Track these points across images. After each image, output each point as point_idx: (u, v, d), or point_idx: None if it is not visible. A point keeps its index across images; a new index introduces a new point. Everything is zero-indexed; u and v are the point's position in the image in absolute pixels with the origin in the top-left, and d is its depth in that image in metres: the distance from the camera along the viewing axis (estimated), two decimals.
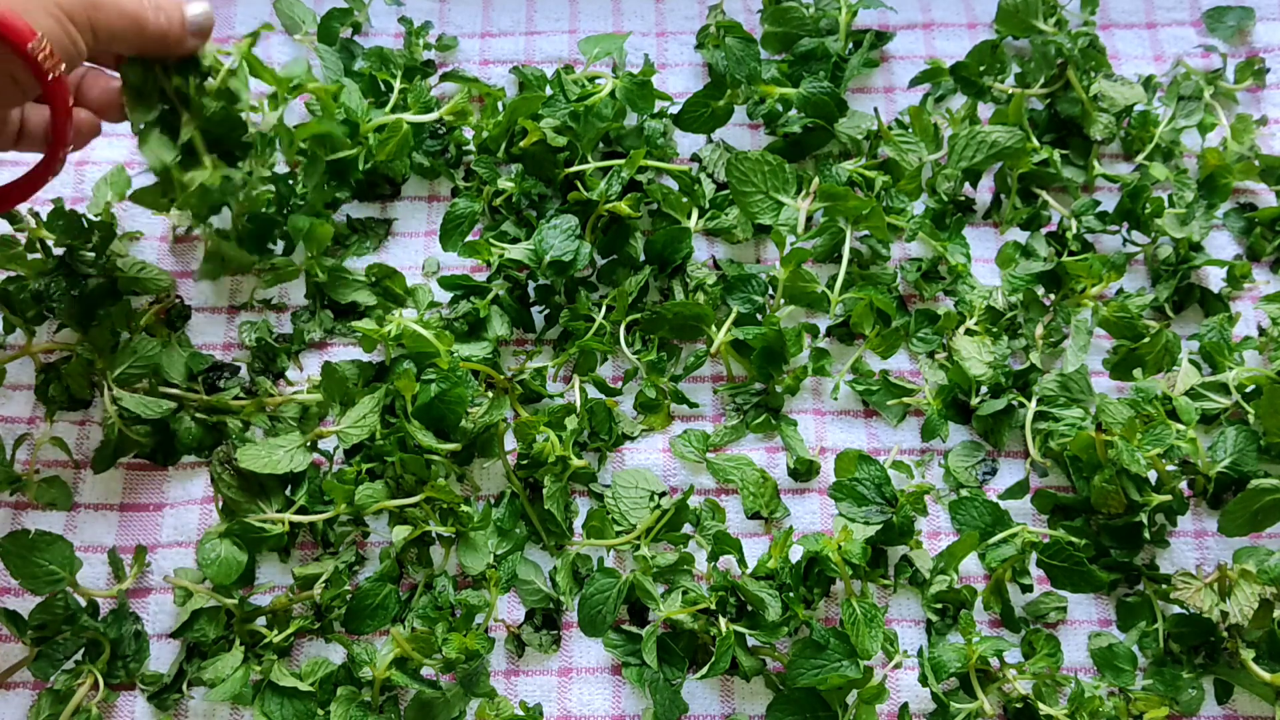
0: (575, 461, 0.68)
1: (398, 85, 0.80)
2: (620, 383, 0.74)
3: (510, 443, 0.70)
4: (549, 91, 0.80)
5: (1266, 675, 0.63)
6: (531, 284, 0.75)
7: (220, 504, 0.67)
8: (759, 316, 0.74)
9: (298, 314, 0.75)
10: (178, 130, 0.62)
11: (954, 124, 0.80)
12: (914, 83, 0.83)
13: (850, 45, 0.82)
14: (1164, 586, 0.66)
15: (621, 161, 0.74)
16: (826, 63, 0.81)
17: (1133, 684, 0.65)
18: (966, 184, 0.79)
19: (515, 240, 0.75)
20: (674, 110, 0.80)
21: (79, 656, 0.65)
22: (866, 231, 0.74)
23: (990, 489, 0.71)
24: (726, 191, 0.77)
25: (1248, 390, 0.71)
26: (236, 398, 0.71)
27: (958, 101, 0.83)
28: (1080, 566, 0.65)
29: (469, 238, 0.75)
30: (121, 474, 0.70)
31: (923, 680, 0.64)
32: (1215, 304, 0.76)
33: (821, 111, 0.78)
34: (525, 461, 0.69)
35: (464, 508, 0.67)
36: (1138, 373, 0.72)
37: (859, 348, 0.74)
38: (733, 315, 0.73)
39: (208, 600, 0.65)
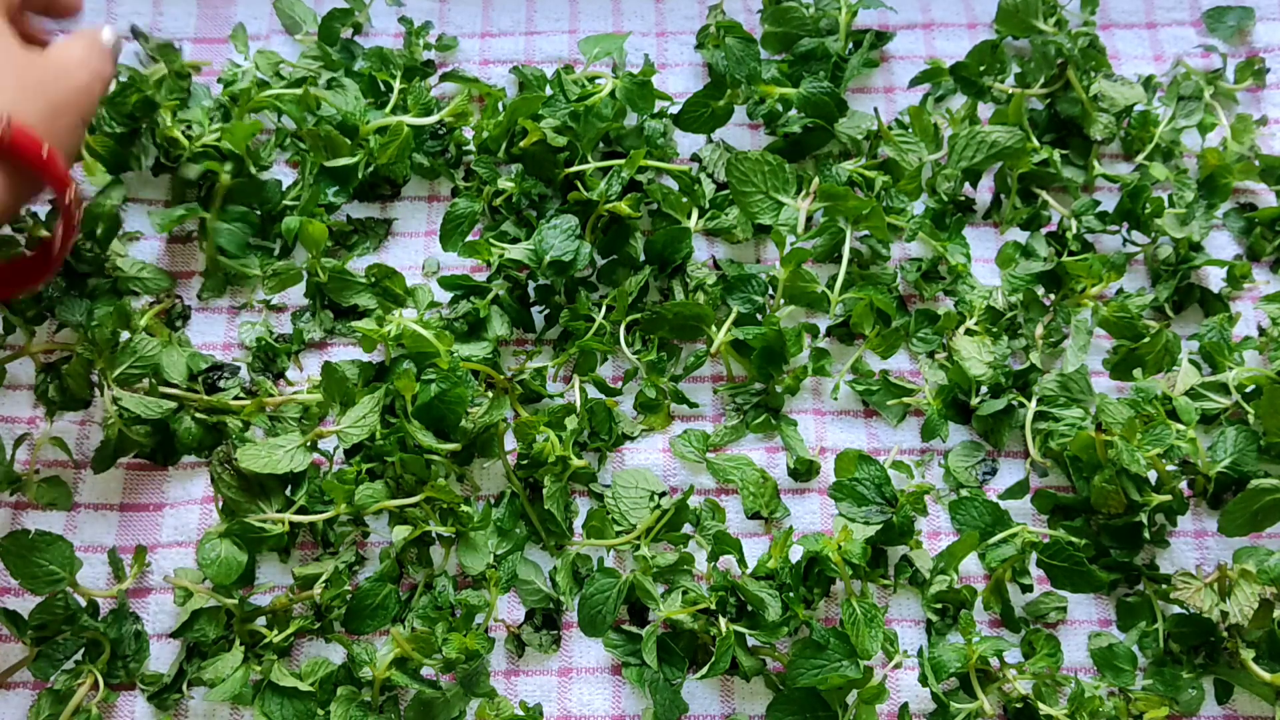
0: (575, 461, 0.68)
1: (398, 85, 0.80)
2: (620, 383, 0.74)
3: (510, 443, 0.70)
4: (549, 91, 0.80)
5: (1266, 675, 0.63)
6: (531, 284, 0.75)
7: (220, 504, 0.67)
8: (759, 316, 0.74)
9: (298, 314, 0.75)
10: None
11: (954, 124, 0.80)
12: (914, 83, 0.83)
13: (850, 45, 0.82)
14: (1164, 586, 0.66)
15: (621, 161, 0.74)
16: (826, 63, 0.81)
17: (1133, 684, 0.65)
18: (966, 184, 0.79)
19: (515, 240, 0.75)
20: (674, 110, 0.80)
21: (79, 656, 0.65)
22: (866, 231, 0.74)
23: (990, 489, 0.71)
24: (726, 191, 0.77)
25: (1248, 390, 0.71)
26: (237, 398, 0.71)
27: (958, 101, 0.83)
28: (1080, 566, 0.65)
29: (469, 238, 0.75)
30: (121, 474, 0.70)
31: (923, 680, 0.64)
32: (1215, 304, 0.76)
33: (821, 111, 0.78)
34: (525, 461, 0.69)
35: (464, 508, 0.67)
36: (1138, 373, 0.72)
37: (859, 348, 0.74)
38: (733, 315, 0.73)
39: (208, 600, 0.65)
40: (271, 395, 0.71)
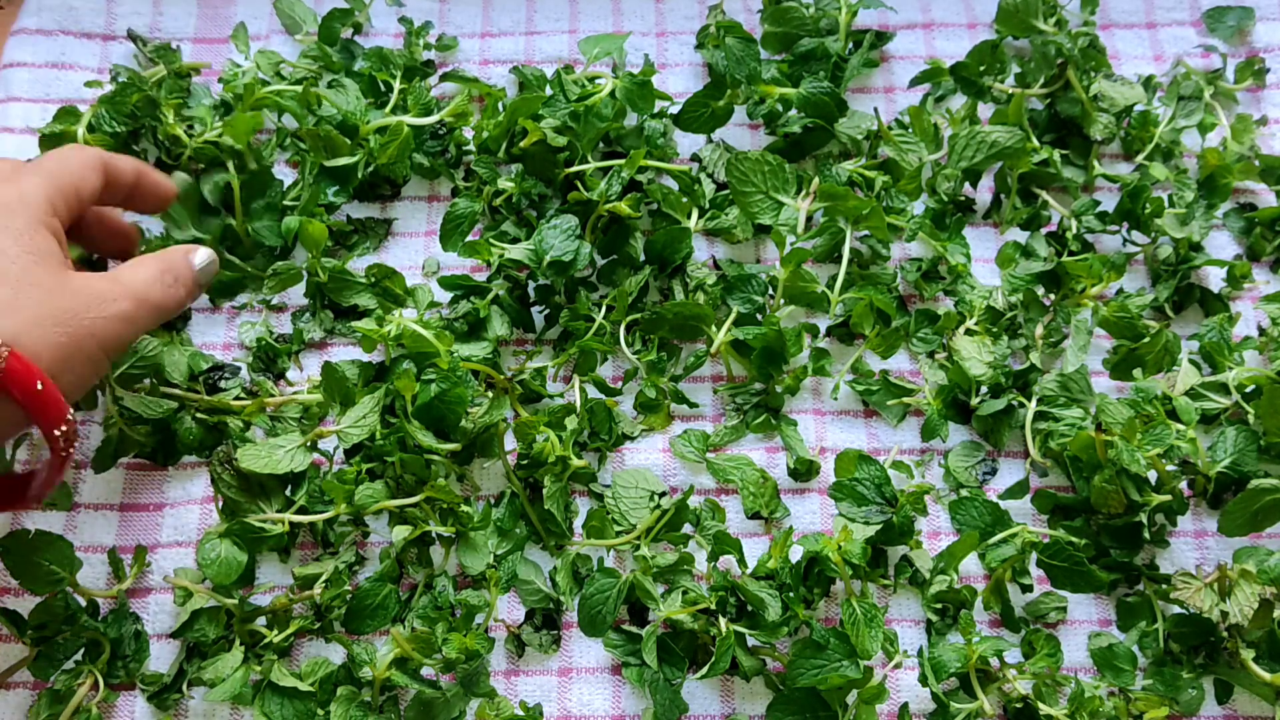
0: (575, 461, 0.68)
1: (397, 85, 0.80)
2: (620, 383, 0.74)
3: (510, 443, 0.70)
4: (549, 91, 0.80)
5: (1266, 675, 0.63)
6: (531, 284, 0.75)
7: (220, 504, 0.67)
8: (759, 316, 0.74)
9: (298, 314, 0.75)
10: None
11: (954, 124, 0.80)
12: (914, 83, 0.83)
13: (850, 45, 0.82)
14: (1164, 586, 0.66)
15: (621, 161, 0.74)
16: (826, 63, 0.81)
17: (1133, 684, 0.65)
18: (966, 184, 0.79)
19: (515, 240, 0.75)
20: (674, 110, 0.80)
21: (79, 656, 0.65)
22: (866, 231, 0.74)
23: (990, 489, 0.71)
24: (726, 191, 0.77)
25: (1248, 390, 0.71)
26: (237, 398, 0.71)
27: (958, 101, 0.83)
28: (1080, 566, 0.65)
29: (469, 238, 0.75)
30: (121, 474, 0.70)
31: (923, 680, 0.64)
32: (1215, 304, 0.76)
33: (821, 111, 0.78)
34: (525, 461, 0.69)
35: (464, 508, 0.67)
36: (1138, 373, 0.72)
37: (859, 348, 0.74)
38: (733, 315, 0.73)
39: (208, 600, 0.65)
40: (272, 395, 0.71)
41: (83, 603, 0.66)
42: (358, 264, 0.76)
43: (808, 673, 0.63)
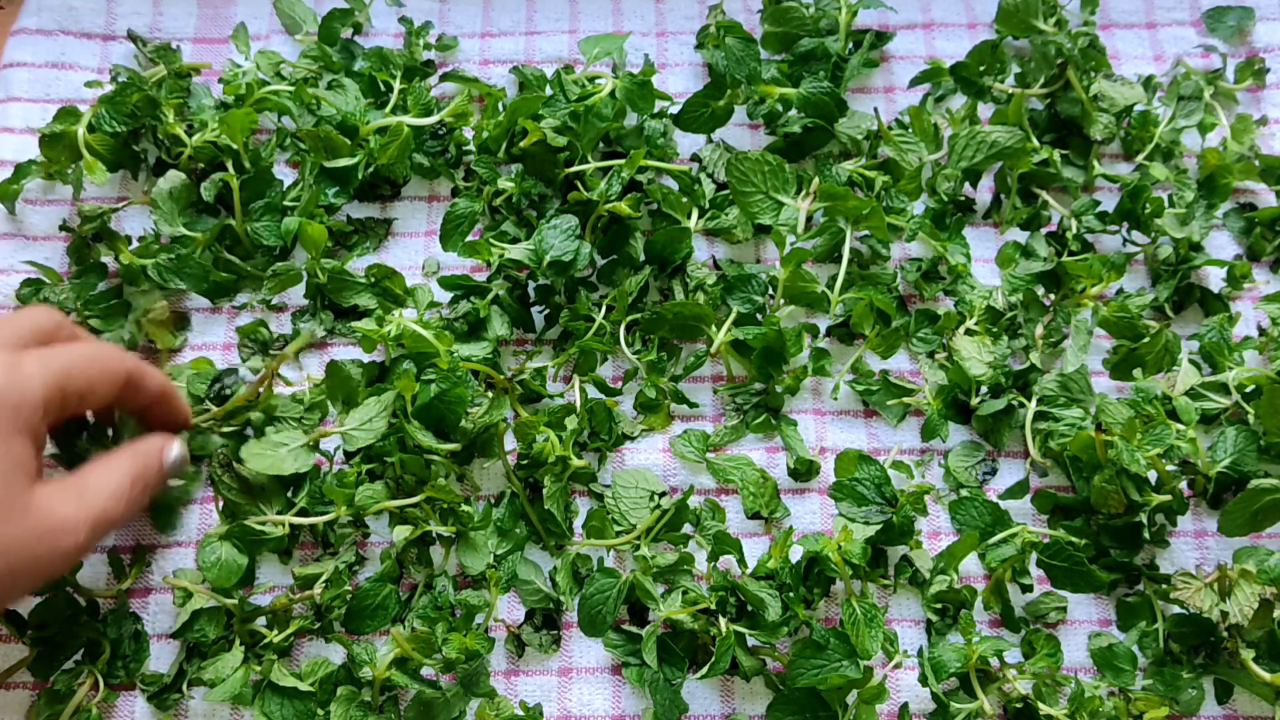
0: (575, 461, 0.68)
1: (398, 86, 0.80)
2: (620, 383, 0.74)
3: (510, 443, 0.70)
4: (549, 91, 0.80)
5: (1266, 675, 0.63)
6: (531, 284, 0.75)
7: (220, 505, 0.67)
8: (759, 316, 0.74)
9: (298, 314, 0.75)
10: None
11: (954, 124, 0.80)
12: (914, 83, 0.83)
13: (850, 45, 0.82)
14: (1164, 586, 0.66)
15: (621, 161, 0.74)
16: (826, 63, 0.81)
17: (1133, 684, 0.65)
18: (966, 184, 0.79)
19: (515, 240, 0.75)
20: (674, 110, 0.80)
21: (79, 656, 0.65)
22: (866, 231, 0.74)
23: (990, 489, 0.71)
24: (726, 191, 0.77)
25: (1248, 390, 0.71)
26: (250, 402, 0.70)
27: (958, 101, 0.83)
28: (1080, 566, 0.65)
29: (469, 238, 0.75)
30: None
31: (923, 680, 0.64)
32: (1215, 304, 0.76)
33: (821, 111, 0.78)
34: (525, 461, 0.69)
35: (464, 508, 0.67)
36: (1138, 373, 0.72)
37: (859, 348, 0.74)
38: (733, 315, 0.73)
39: (208, 600, 0.65)
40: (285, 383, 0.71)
41: (83, 603, 0.66)
42: (358, 264, 0.76)
43: (808, 673, 0.63)
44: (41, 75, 0.82)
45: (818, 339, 0.75)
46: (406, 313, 0.73)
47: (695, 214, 0.77)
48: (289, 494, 0.68)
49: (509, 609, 0.68)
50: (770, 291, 0.75)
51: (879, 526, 0.67)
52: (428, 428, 0.68)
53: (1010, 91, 0.81)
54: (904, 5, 0.86)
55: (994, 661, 0.65)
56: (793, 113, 0.80)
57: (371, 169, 0.77)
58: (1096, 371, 0.74)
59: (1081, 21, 0.84)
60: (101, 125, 0.76)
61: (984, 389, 0.72)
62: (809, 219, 0.74)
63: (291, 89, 0.78)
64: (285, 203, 0.76)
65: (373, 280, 0.74)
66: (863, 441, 0.73)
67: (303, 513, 0.67)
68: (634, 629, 0.66)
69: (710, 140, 0.81)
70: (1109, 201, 0.79)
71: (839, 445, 0.72)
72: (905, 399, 0.73)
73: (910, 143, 0.78)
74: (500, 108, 0.80)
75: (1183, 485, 0.70)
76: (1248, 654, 0.64)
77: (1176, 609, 0.67)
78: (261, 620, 0.66)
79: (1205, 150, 0.79)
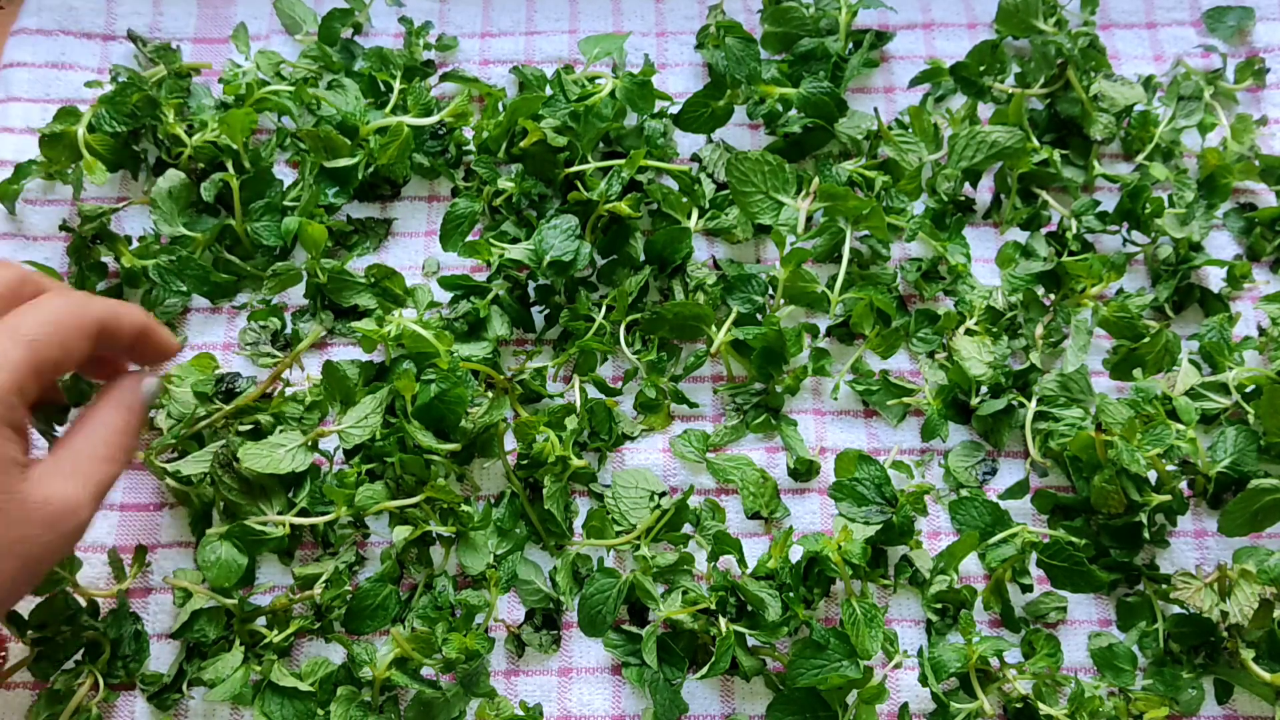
0: (575, 461, 0.68)
1: (398, 86, 0.80)
2: (620, 383, 0.74)
3: (510, 443, 0.70)
4: (549, 91, 0.80)
5: (1266, 675, 0.63)
6: (531, 284, 0.75)
7: (220, 506, 0.67)
8: (759, 316, 0.74)
9: (298, 314, 0.75)
10: None
11: (954, 124, 0.80)
12: (914, 83, 0.83)
13: (850, 45, 0.83)
14: (1164, 586, 0.66)
15: (621, 161, 0.74)
16: (826, 63, 0.81)
17: (1133, 684, 0.65)
18: (966, 184, 0.79)
19: (515, 240, 0.75)
20: (674, 110, 0.80)
21: (79, 656, 0.65)
22: (866, 231, 0.74)
23: (990, 489, 0.71)
24: (726, 191, 0.77)
25: (1248, 390, 0.71)
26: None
27: (958, 101, 0.83)
28: (1080, 566, 0.65)
29: (469, 238, 0.75)
30: (122, 474, 0.70)
31: (923, 680, 0.64)
32: (1215, 304, 0.76)
33: (821, 111, 0.78)
34: (525, 461, 0.69)
35: (464, 508, 0.67)
36: (1138, 373, 0.72)
37: (859, 348, 0.74)
38: (733, 315, 0.73)
39: (208, 600, 0.65)
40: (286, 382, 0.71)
41: (83, 603, 0.66)
42: (358, 264, 0.76)
43: (808, 673, 0.63)
44: (41, 75, 0.82)
45: (818, 339, 0.75)
46: (406, 313, 0.73)
47: (695, 214, 0.77)
48: (289, 494, 0.68)
49: (509, 609, 0.68)
50: (770, 291, 0.75)
51: (879, 526, 0.67)
52: (428, 428, 0.68)
53: (1010, 91, 0.81)
54: (904, 5, 0.86)
55: (994, 661, 0.65)
56: (793, 113, 0.80)
57: (371, 169, 0.77)
58: (1096, 371, 0.74)
59: (1081, 21, 0.84)
60: (101, 125, 0.76)
61: (984, 389, 0.72)
62: (809, 219, 0.74)
63: (291, 89, 0.78)
64: (285, 203, 0.76)
65: (373, 280, 0.74)
66: (863, 441, 0.73)
67: (303, 513, 0.67)
68: (634, 629, 0.66)
69: (710, 140, 0.81)
70: (1109, 201, 0.79)
71: (839, 445, 0.72)
72: (905, 399, 0.73)
73: (910, 143, 0.78)
74: (500, 108, 0.80)
75: (1183, 485, 0.70)
76: (1248, 654, 0.64)
77: (1176, 609, 0.67)
78: (261, 620, 0.66)
79: (1205, 150, 0.79)
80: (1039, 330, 0.74)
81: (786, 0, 0.82)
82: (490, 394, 0.70)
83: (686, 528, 0.69)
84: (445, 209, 0.75)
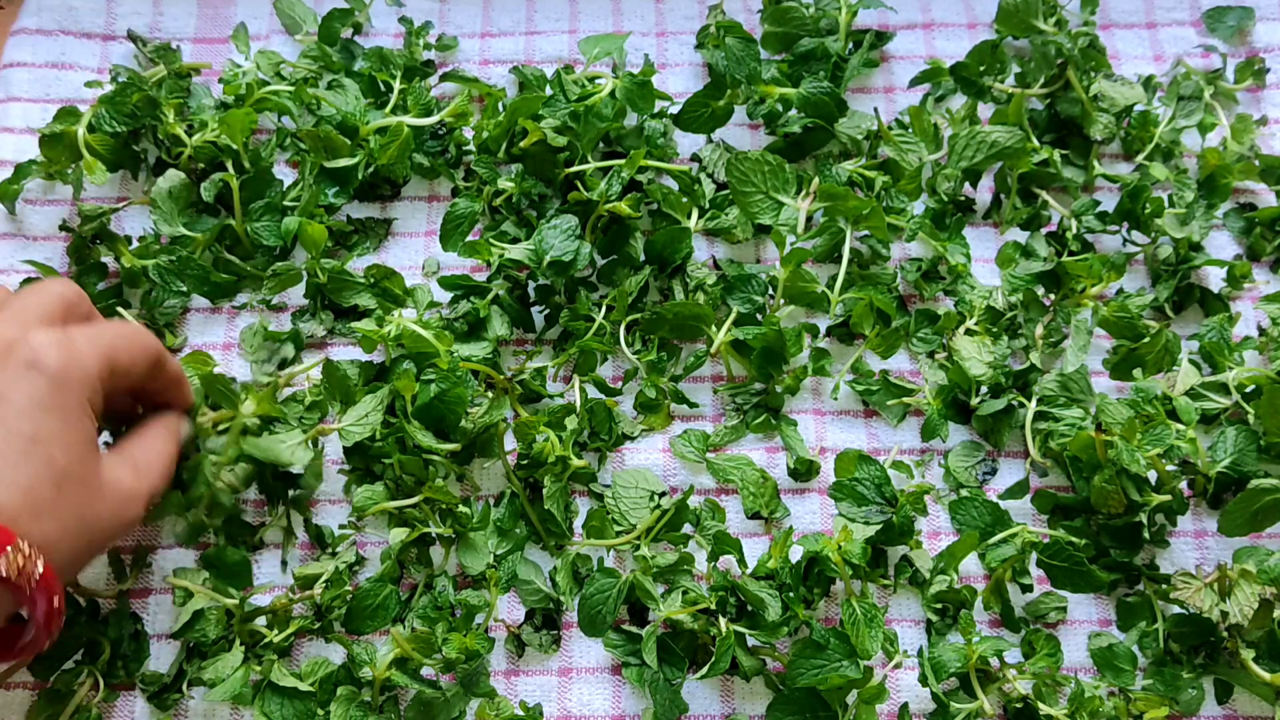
0: (575, 461, 0.68)
1: (398, 86, 0.80)
2: (620, 383, 0.74)
3: (510, 443, 0.70)
4: (549, 91, 0.80)
5: (1266, 675, 0.63)
6: (531, 284, 0.75)
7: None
8: (759, 316, 0.74)
9: (298, 314, 0.75)
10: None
11: (954, 124, 0.80)
12: (914, 83, 0.83)
13: (850, 45, 0.83)
14: (1164, 586, 0.66)
15: (621, 161, 0.74)
16: (826, 63, 0.81)
17: (1133, 684, 0.65)
18: (966, 184, 0.79)
19: (515, 240, 0.75)
20: (674, 110, 0.80)
21: (79, 656, 0.65)
22: (866, 231, 0.74)
23: (990, 489, 0.71)
24: (726, 191, 0.77)
25: (1248, 390, 0.71)
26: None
27: (958, 101, 0.83)
28: (1080, 566, 0.65)
29: (469, 238, 0.75)
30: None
31: (923, 680, 0.64)
32: (1215, 304, 0.76)
33: (821, 111, 0.78)
34: (525, 461, 0.69)
35: (462, 508, 0.67)
36: (1138, 373, 0.72)
37: (859, 348, 0.74)
38: (733, 315, 0.73)
39: (208, 600, 0.65)
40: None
41: (83, 603, 0.66)
42: (358, 264, 0.76)
43: (808, 673, 0.63)
44: (41, 75, 0.82)
45: (818, 339, 0.75)
46: (406, 313, 0.73)
47: (695, 214, 0.77)
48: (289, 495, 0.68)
49: (509, 609, 0.68)
50: (770, 291, 0.75)
51: (879, 526, 0.67)
52: (428, 428, 0.68)
53: (1010, 91, 0.81)
54: (904, 5, 0.86)
55: (994, 661, 0.65)
56: (793, 113, 0.80)
57: (371, 169, 0.77)
58: (1096, 371, 0.74)
59: (1081, 21, 0.84)
60: (101, 125, 0.76)
61: (984, 389, 0.72)
62: (809, 219, 0.74)
63: (291, 89, 0.78)
64: (285, 203, 0.76)
65: (372, 280, 0.74)
66: (863, 441, 0.73)
67: (297, 504, 0.67)
68: (634, 629, 0.66)
69: (710, 140, 0.81)
70: (1109, 201, 0.79)
71: (839, 445, 0.72)
72: (905, 399, 0.73)
73: (910, 143, 0.78)
74: (500, 108, 0.80)
75: (1183, 485, 0.70)
76: (1248, 654, 0.64)
77: (1176, 609, 0.67)
78: (261, 620, 0.66)
79: (1205, 150, 0.79)
80: (1039, 330, 0.74)
81: (786, 0, 0.82)
82: (490, 394, 0.70)
83: (686, 528, 0.69)
84: (445, 209, 0.75)
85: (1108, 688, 0.65)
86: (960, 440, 0.72)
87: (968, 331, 0.73)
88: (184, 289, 0.73)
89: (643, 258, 0.75)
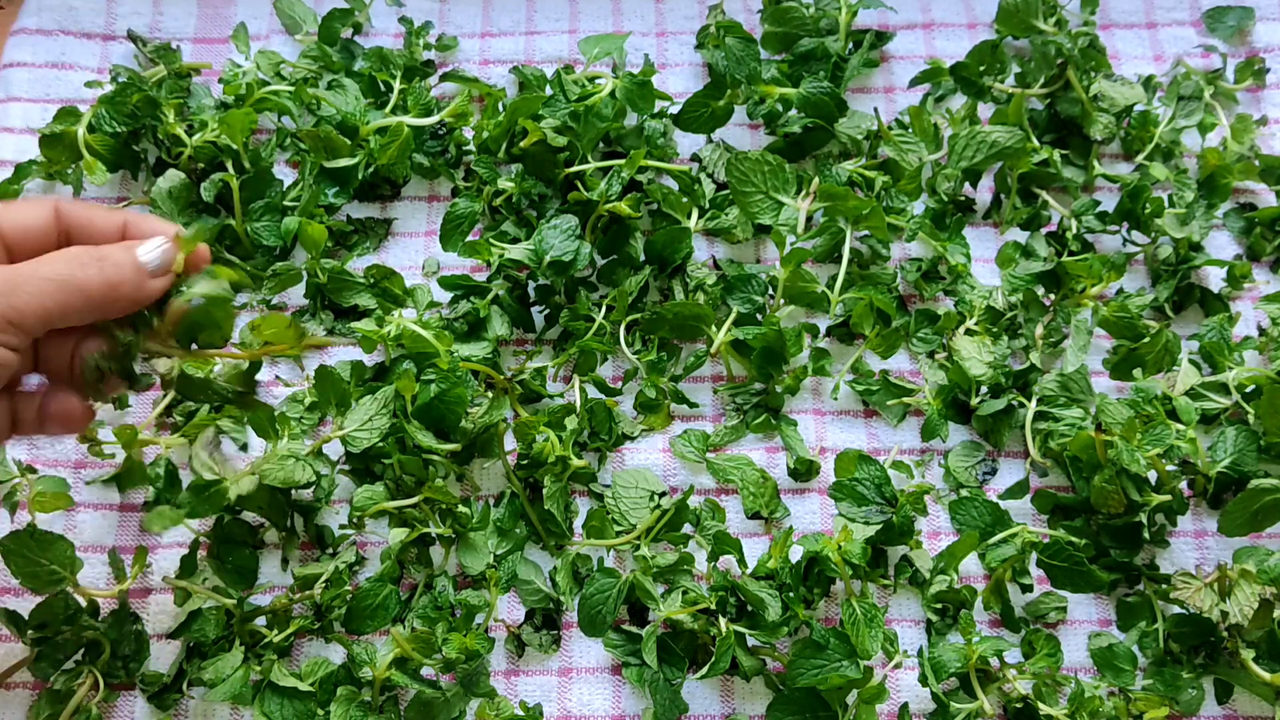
0: (575, 461, 0.68)
1: (398, 86, 0.80)
2: (620, 383, 0.74)
3: (510, 443, 0.70)
4: (549, 91, 0.80)
5: (1266, 675, 0.63)
6: (531, 284, 0.75)
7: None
8: (759, 316, 0.74)
9: (298, 314, 0.75)
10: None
11: (954, 124, 0.80)
12: (914, 83, 0.83)
13: (850, 45, 0.83)
14: (1164, 586, 0.66)
15: (621, 161, 0.74)
16: (826, 63, 0.81)
17: (1133, 684, 0.65)
18: (966, 184, 0.79)
19: (515, 240, 0.75)
20: (674, 110, 0.80)
21: (79, 656, 0.65)
22: (866, 231, 0.74)
23: (990, 489, 0.71)
24: (726, 191, 0.77)
25: (1248, 390, 0.71)
26: None
27: (958, 101, 0.83)
28: (1080, 566, 0.65)
29: (469, 238, 0.75)
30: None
31: (923, 680, 0.64)
32: (1215, 304, 0.76)
33: (821, 111, 0.78)
34: (525, 461, 0.69)
35: (462, 508, 0.67)
36: (1138, 373, 0.72)
37: (859, 348, 0.74)
38: (733, 315, 0.73)
39: (208, 600, 0.65)
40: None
41: (83, 603, 0.65)
42: (358, 264, 0.76)
43: (808, 673, 0.63)
44: (41, 75, 0.82)
45: (818, 339, 0.75)
46: (406, 313, 0.73)
47: (695, 214, 0.77)
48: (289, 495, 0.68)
49: (509, 609, 0.68)
50: (770, 291, 0.75)
51: (879, 526, 0.67)
52: (428, 428, 0.68)
53: (1010, 91, 0.81)
54: (904, 5, 0.86)
55: (994, 661, 0.65)
56: (793, 113, 0.80)
57: (371, 169, 0.77)
58: (1096, 371, 0.74)
59: (1081, 21, 0.84)
60: (101, 125, 0.76)
61: (984, 389, 0.72)
62: (809, 219, 0.74)
63: (291, 89, 0.78)
64: (285, 203, 0.76)
65: (373, 280, 0.74)
66: (863, 441, 0.73)
67: (303, 511, 0.67)
68: (634, 629, 0.66)
69: (710, 140, 0.81)
70: (1109, 201, 0.79)
71: (839, 445, 0.72)
72: (905, 399, 0.73)
73: (910, 143, 0.78)
74: (500, 108, 0.80)
75: (1183, 485, 0.70)
76: (1248, 654, 0.64)
77: (1176, 609, 0.67)
78: (261, 620, 0.66)
79: (1205, 150, 0.79)
80: (1039, 330, 0.74)
81: (786, 0, 0.82)
82: (490, 394, 0.70)
83: (686, 528, 0.69)
84: (445, 209, 0.75)
85: (1108, 688, 0.65)
86: (960, 440, 0.72)
87: (968, 331, 0.73)
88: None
89: (643, 258, 0.75)
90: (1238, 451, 0.69)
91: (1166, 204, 0.78)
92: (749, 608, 0.66)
